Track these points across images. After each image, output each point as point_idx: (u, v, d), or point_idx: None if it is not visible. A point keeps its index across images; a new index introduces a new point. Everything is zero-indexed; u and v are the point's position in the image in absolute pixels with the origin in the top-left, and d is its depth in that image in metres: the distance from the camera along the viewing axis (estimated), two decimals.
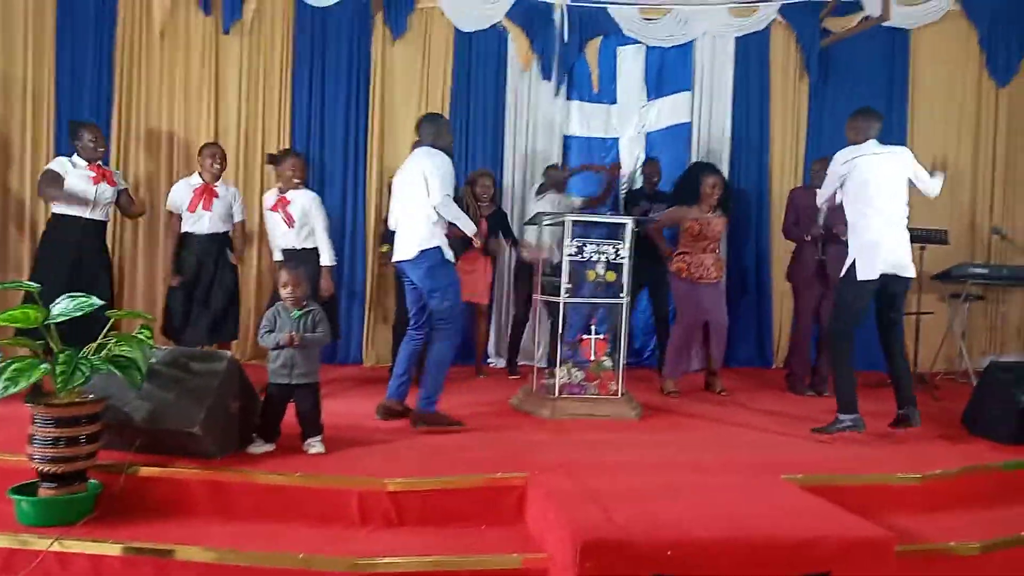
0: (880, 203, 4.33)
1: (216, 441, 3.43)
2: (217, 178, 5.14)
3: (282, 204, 5.00)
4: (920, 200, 7.00)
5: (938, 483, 3.67)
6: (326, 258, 5.04)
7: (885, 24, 6.68)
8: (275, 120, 6.38)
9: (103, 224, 4.96)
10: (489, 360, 6.63)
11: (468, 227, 4.35)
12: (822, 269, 5.61)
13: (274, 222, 5.06)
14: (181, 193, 5.12)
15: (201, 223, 5.07)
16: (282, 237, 5.04)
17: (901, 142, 6.94)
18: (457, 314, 4.28)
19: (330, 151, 6.47)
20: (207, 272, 5.06)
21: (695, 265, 5.55)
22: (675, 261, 5.63)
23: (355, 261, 6.48)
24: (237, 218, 5.27)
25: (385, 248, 5.59)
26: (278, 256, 5.12)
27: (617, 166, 6.81)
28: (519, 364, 6.14)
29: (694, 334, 5.64)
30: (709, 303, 5.56)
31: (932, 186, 4.52)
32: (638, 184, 6.74)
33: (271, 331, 3.65)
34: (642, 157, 6.86)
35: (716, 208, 5.64)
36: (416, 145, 4.41)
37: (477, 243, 4.61)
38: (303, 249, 5.00)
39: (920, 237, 6.29)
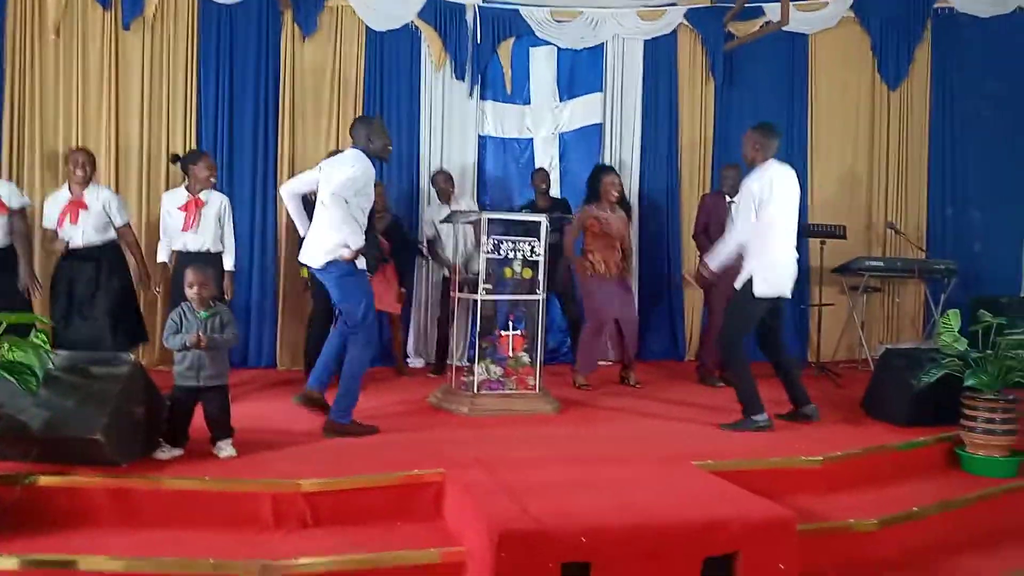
0: (783, 222, 4.46)
1: (119, 448, 3.31)
2: (85, 186, 4.84)
3: (196, 205, 4.85)
4: (820, 197, 7.38)
5: (839, 465, 3.84)
6: (230, 262, 5.00)
7: (785, 29, 6.96)
8: (181, 120, 6.19)
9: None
10: (409, 360, 6.61)
11: (352, 239, 4.07)
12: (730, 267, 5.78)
13: (178, 222, 4.91)
14: (50, 208, 4.85)
15: (75, 238, 4.80)
16: (191, 239, 4.90)
17: (803, 144, 7.32)
18: (368, 324, 4.16)
19: (239, 152, 6.31)
20: (85, 289, 4.78)
21: (598, 263, 5.65)
22: (579, 261, 5.72)
23: (265, 264, 6.34)
24: (118, 222, 4.95)
25: (305, 272, 5.49)
26: (163, 257, 5.03)
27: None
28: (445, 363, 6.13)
29: (603, 329, 5.74)
30: (617, 300, 5.68)
31: None
32: (557, 184, 6.83)
33: (177, 332, 3.55)
34: (556, 157, 6.96)
35: (616, 208, 5.76)
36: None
37: (347, 254, 4.11)
38: (207, 252, 4.89)
39: (820, 232, 6.60)
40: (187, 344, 3.51)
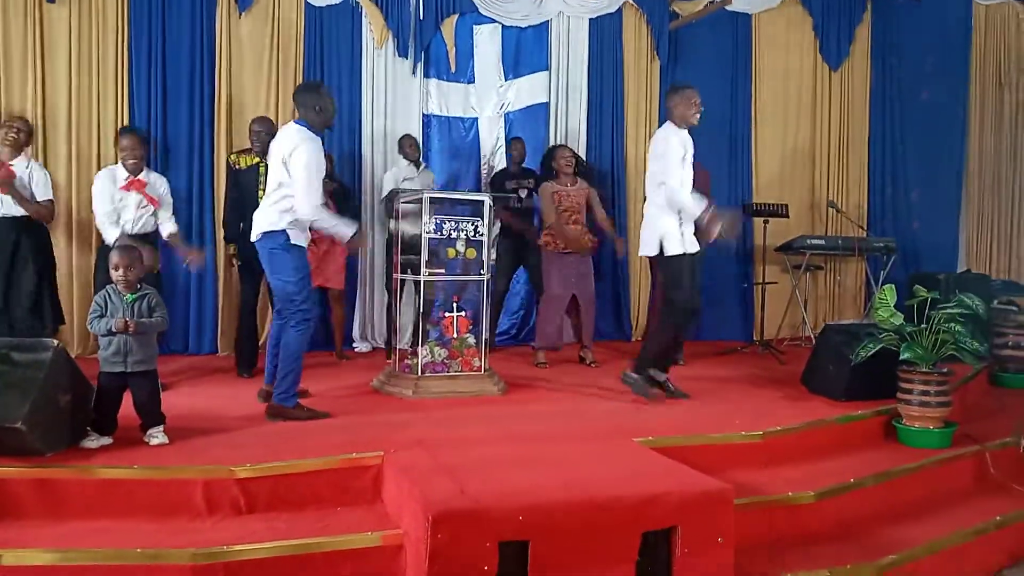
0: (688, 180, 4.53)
1: (43, 437, 3.17)
2: (14, 154, 4.69)
3: (138, 185, 4.70)
4: (764, 176, 7.46)
5: (778, 439, 3.89)
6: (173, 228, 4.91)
7: (729, 8, 7.00)
8: (112, 96, 5.94)
9: None
10: (355, 345, 6.51)
11: (342, 233, 4.12)
12: None
13: (126, 203, 4.73)
14: None
15: None
16: (135, 222, 4.74)
17: (746, 123, 7.39)
18: (302, 300, 4.02)
19: (173, 129, 6.09)
20: (4, 261, 4.61)
21: (559, 236, 5.68)
22: (543, 236, 5.76)
23: (203, 243, 6.15)
24: (41, 196, 4.77)
25: (232, 249, 5.40)
26: (112, 237, 4.71)
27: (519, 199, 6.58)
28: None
29: (560, 305, 5.76)
30: (575, 275, 5.69)
31: None
32: (502, 164, 6.79)
33: (101, 316, 3.41)
34: (502, 137, 6.90)
35: (575, 180, 5.81)
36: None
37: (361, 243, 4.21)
38: (144, 234, 4.73)
39: (763, 211, 6.67)
40: (113, 329, 3.37)
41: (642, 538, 2.75)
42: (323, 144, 4.25)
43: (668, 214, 4.48)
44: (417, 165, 6.26)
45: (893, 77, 7.67)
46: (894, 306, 4.35)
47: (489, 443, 3.55)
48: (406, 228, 4.84)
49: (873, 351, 4.30)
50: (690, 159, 4.53)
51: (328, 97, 4.18)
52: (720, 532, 2.84)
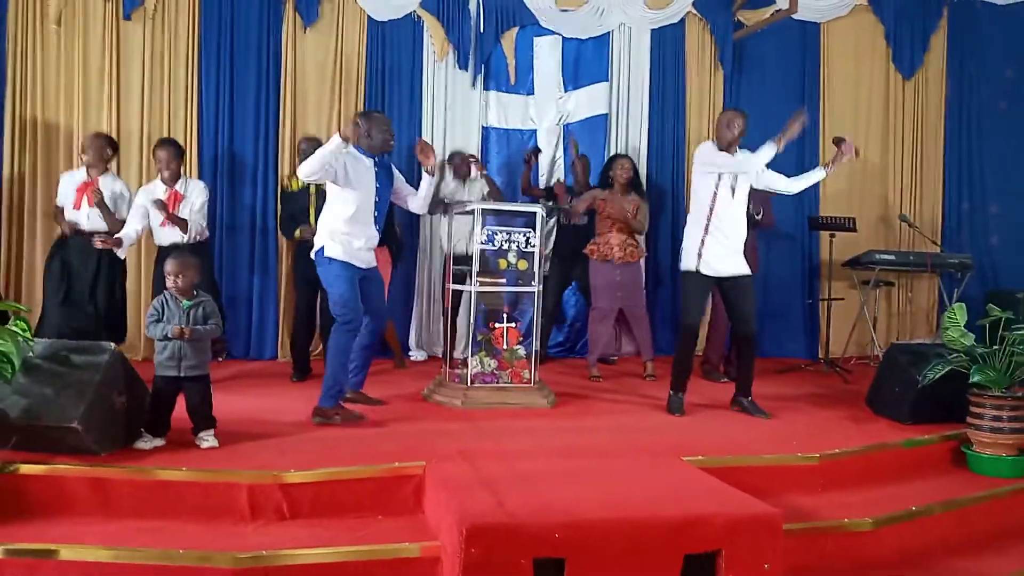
0: None
1: (99, 437, 3.28)
2: (100, 171, 4.93)
3: (175, 197, 4.90)
4: (832, 189, 7.24)
5: (837, 462, 3.73)
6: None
7: (795, 17, 6.82)
8: (182, 111, 6.15)
9: None
10: (411, 354, 6.54)
11: (335, 143, 4.01)
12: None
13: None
14: (65, 186, 4.94)
15: (81, 221, 4.87)
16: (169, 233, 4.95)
17: (814, 135, 7.17)
18: (341, 306, 4.19)
19: (240, 142, 6.27)
20: (88, 272, 4.84)
21: (603, 244, 5.66)
22: (588, 246, 5.74)
23: (267, 254, 6.29)
24: (124, 214, 4.99)
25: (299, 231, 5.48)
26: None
27: (536, 151, 6.70)
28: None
29: (607, 317, 5.72)
30: (620, 289, 5.62)
31: None
32: (563, 177, 6.76)
33: (158, 321, 3.51)
34: (560, 148, 6.87)
35: (628, 191, 5.77)
36: None
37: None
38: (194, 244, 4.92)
39: (829, 225, 6.46)
40: (169, 336, 3.47)
41: (684, 561, 2.66)
42: (388, 158, 4.39)
43: (693, 227, 4.51)
44: (464, 181, 6.23)
45: (970, 87, 7.35)
46: (966, 326, 4.15)
47: (532, 456, 3.50)
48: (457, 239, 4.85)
49: (942, 373, 4.11)
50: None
51: (382, 122, 4.35)
52: (767, 558, 2.73)
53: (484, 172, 6.33)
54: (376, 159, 4.33)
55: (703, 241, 4.46)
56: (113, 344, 3.50)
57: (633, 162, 6.01)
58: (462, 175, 6.25)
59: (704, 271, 4.47)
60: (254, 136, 6.30)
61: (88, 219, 4.87)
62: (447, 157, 6.37)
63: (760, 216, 5.52)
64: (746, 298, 4.57)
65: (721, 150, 4.48)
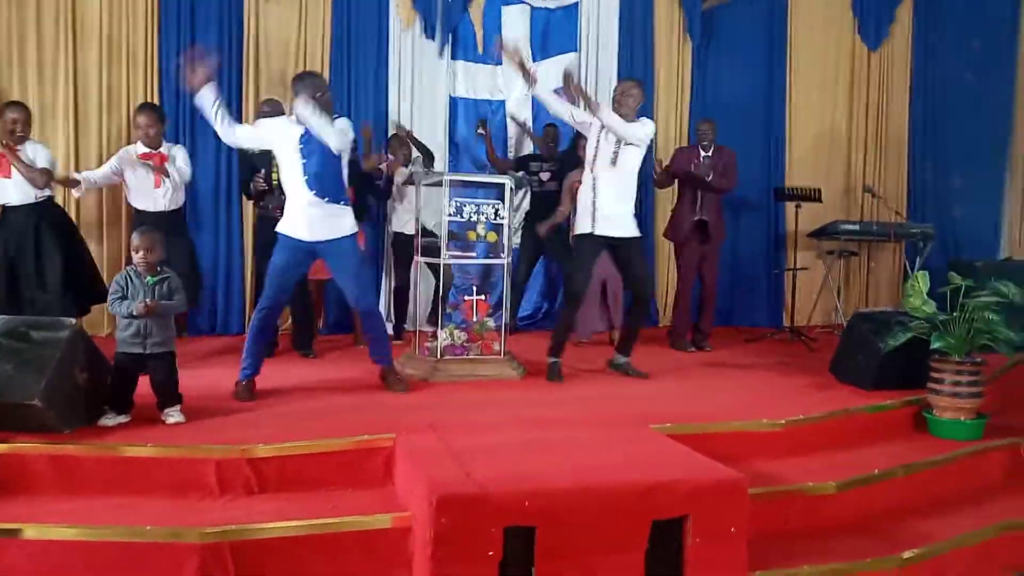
0: None
1: (61, 413, 3.21)
2: (19, 140, 4.57)
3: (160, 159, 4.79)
4: (798, 160, 7.29)
5: (801, 428, 3.79)
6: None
7: None
8: (141, 80, 6.00)
9: None
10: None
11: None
12: (701, 227, 5.73)
13: (142, 178, 4.81)
14: None
15: (6, 193, 4.60)
16: (153, 197, 4.82)
17: (781, 106, 7.21)
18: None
19: (202, 115, 6.12)
20: (28, 247, 4.56)
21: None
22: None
23: (231, 228, 6.19)
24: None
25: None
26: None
27: (483, 122, 6.66)
28: (405, 330, 6.02)
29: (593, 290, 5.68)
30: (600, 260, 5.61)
31: None
32: (530, 148, 6.72)
33: (123, 298, 3.43)
34: (529, 119, 6.83)
35: None
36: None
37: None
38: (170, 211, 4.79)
39: (795, 196, 6.52)
40: (134, 313, 3.39)
41: (652, 527, 2.70)
42: (350, 127, 4.23)
43: (584, 190, 4.59)
44: (407, 163, 5.99)
45: (935, 59, 7.43)
46: (928, 294, 4.21)
47: (501, 427, 3.51)
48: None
49: (903, 340, 4.18)
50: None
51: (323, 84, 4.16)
52: (733, 522, 2.76)
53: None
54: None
55: (594, 204, 4.52)
56: (73, 320, 3.42)
57: None
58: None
59: (598, 232, 4.54)
60: None
61: (15, 190, 4.56)
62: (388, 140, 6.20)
63: (710, 178, 5.60)
64: (638, 260, 4.70)
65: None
